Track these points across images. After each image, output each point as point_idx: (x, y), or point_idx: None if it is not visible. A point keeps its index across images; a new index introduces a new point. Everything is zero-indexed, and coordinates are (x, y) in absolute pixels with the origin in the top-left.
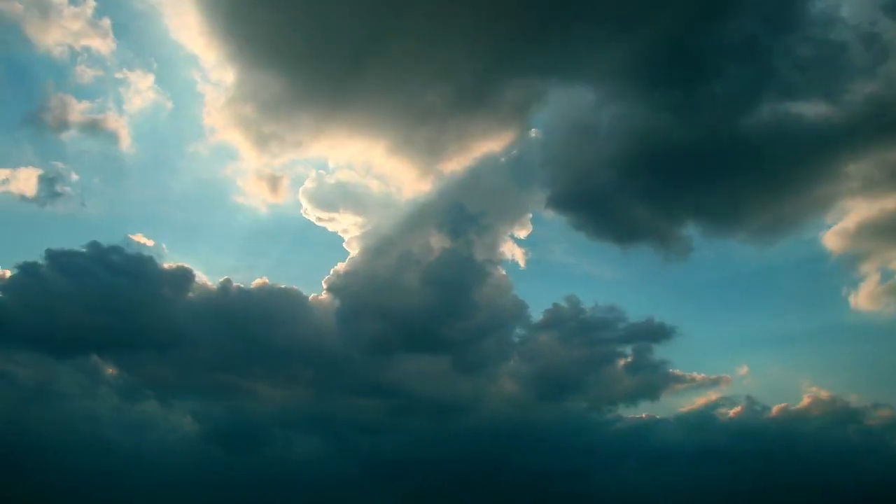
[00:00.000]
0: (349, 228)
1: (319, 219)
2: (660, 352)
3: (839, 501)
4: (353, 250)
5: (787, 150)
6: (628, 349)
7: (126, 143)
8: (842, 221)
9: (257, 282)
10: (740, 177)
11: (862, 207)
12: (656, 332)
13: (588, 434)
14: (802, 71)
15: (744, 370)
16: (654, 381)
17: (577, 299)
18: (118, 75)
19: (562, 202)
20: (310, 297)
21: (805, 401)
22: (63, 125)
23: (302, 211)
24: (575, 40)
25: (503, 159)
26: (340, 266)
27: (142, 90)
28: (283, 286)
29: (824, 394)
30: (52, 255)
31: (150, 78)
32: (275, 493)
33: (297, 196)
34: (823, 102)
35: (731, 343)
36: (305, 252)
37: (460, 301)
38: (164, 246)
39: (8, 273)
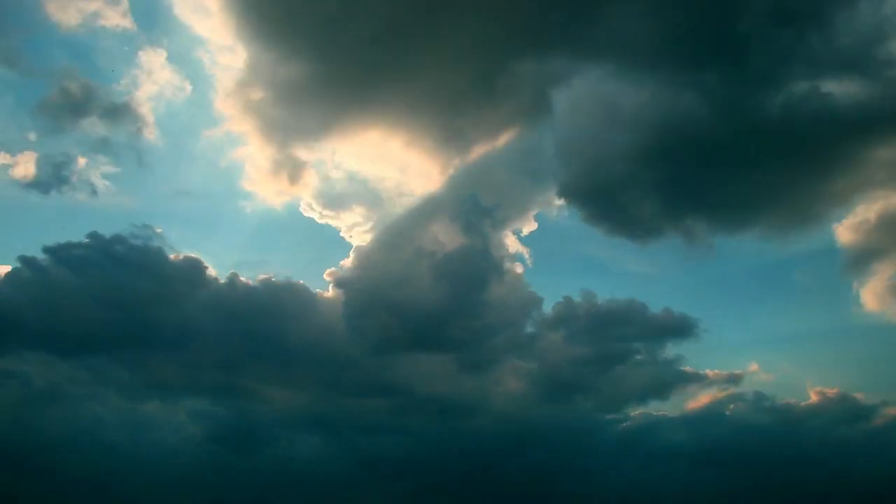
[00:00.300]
0: (358, 223)
1: (327, 214)
2: (671, 349)
3: (848, 499)
4: (363, 245)
5: (812, 134)
6: (639, 346)
7: (137, 129)
8: (862, 214)
9: (263, 277)
10: (759, 167)
11: (885, 199)
12: (669, 329)
13: (597, 432)
14: (840, 47)
15: (753, 367)
16: (663, 378)
17: (585, 295)
18: (135, 58)
19: (573, 195)
20: (318, 293)
21: (815, 399)
22: (77, 109)
23: (311, 205)
24: (595, 21)
25: (517, 151)
26: (350, 261)
27: (156, 70)
28: (291, 282)
29: (835, 392)
30: (49, 251)
31: (164, 57)
32: (281, 493)
33: (306, 189)
34: (858, 81)
35: (741, 340)
36: (316, 247)
37: (469, 297)
38: (171, 236)
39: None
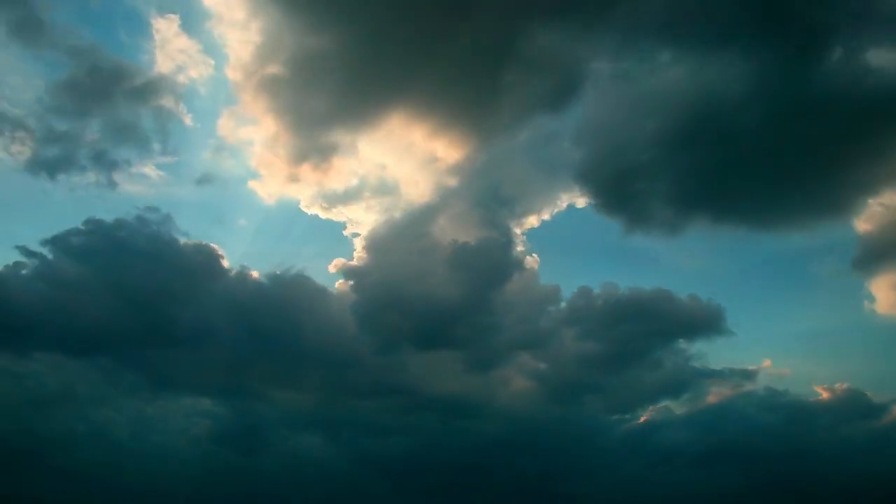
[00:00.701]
0: (369, 214)
1: (338, 205)
2: (686, 344)
3: (858, 497)
4: (372, 237)
5: (850, 115)
6: (650, 343)
7: (150, 110)
8: (885, 206)
9: (271, 270)
10: (786, 153)
11: None
12: (694, 323)
13: (608, 430)
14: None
15: (767, 363)
16: (678, 376)
17: (603, 287)
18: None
19: (591, 184)
20: (332, 289)
21: (828, 396)
22: (94, 89)
23: (323, 195)
24: None
25: (534, 142)
26: (359, 252)
27: (169, 38)
28: (306, 277)
29: (847, 390)
30: (47, 242)
31: (177, 24)
32: (288, 492)
33: (318, 179)
34: None
35: (756, 336)
36: (325, 239)
37: (482, 291)
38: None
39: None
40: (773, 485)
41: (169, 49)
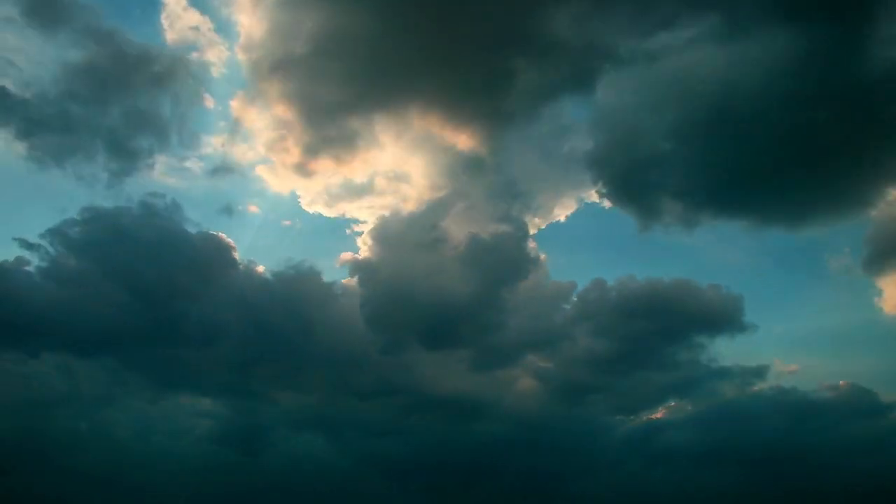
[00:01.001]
0: (375, 210)
1: (344, 201)
2: (694, 342)
3: (866, 497)
4: (378, 233)
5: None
6: (663, 339)
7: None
8: None
9: (280, 266)
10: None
11: None
12: (697, 322)
13: (614, 430)
14: None
15: (776, 361)
16: (686, 373)
17: (606, 283)
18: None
19: (607, 178)
20: (339, 285)
21: (836, 395)
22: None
23: (328, 191)
24: None
25: (546, 136)
26: (364, 249)
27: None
28: (313, 272)
29: (860, 388)
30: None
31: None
32: (292, 493)
33: (330, 172)
34: None
35: (763, 332)
36: (334, 234)
37: (489, 291)
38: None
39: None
40: (779, 483)
41: (179, 26)
